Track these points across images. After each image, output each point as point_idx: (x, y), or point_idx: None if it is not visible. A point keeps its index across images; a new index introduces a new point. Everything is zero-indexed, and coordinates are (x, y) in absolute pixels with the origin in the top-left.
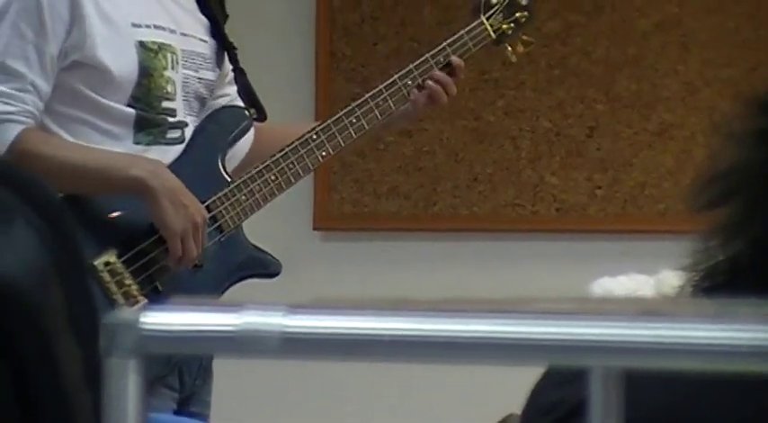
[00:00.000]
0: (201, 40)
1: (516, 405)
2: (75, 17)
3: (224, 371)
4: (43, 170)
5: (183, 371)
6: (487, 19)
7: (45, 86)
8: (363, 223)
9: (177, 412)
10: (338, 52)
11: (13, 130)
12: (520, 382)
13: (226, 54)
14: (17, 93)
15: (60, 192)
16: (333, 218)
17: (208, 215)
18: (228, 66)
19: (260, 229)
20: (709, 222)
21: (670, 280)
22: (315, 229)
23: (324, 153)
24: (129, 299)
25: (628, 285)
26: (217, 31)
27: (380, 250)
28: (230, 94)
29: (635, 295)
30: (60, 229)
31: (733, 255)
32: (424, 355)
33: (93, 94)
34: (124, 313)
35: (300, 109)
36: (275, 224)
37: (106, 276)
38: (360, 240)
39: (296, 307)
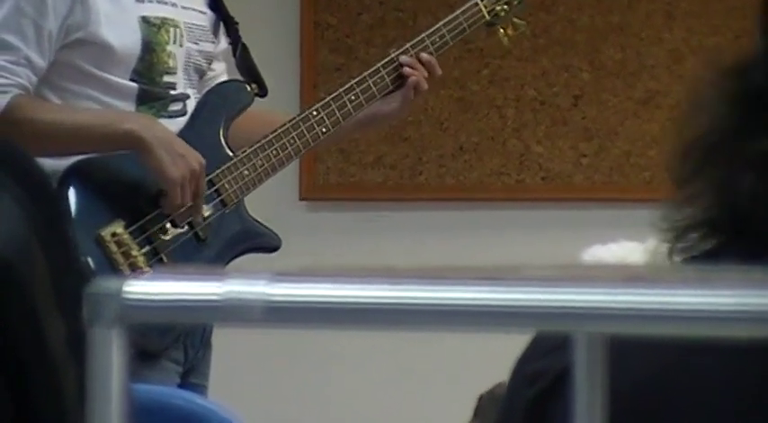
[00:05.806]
0: (201, 11)
1: (506, 374)
2: None
3: (218, 340)
4: (37, 134)
5: (186, 345)
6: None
7: (40, 61)
8: (349, 193)
9: (179, 385)
10: (323, 22)
11: (2, 101)
12: (509, 351)
13: (222, 25)
14: (10, 65)
15: (56, 154)
16: (319, 188)
17: (210, 186)
18: (222, 40)
19: (247, 200)
20: (687, 190)
21: (659, 247)
22: (301, 199)
23: (324, 129)
24: (136, 270)
25: (618, 253)
26: (215, 4)
27: (366, 220)
28: (217, 70)
29: (623, 262)
30: (45, 202)
31: (711, 222)
32: (410, 322)
33: (96, 70)
34: (107, 283)
35: (285, 79)
36: (261, 194)
37: (113, 247)
38: (346, 210)
39: (279, 275)
